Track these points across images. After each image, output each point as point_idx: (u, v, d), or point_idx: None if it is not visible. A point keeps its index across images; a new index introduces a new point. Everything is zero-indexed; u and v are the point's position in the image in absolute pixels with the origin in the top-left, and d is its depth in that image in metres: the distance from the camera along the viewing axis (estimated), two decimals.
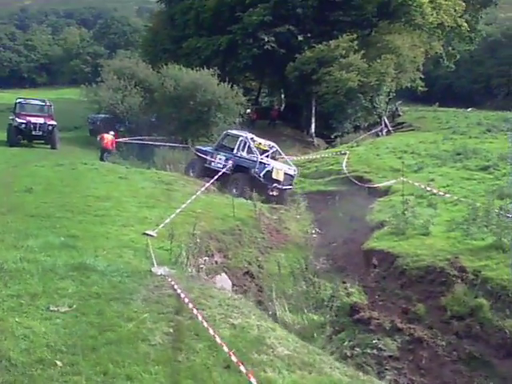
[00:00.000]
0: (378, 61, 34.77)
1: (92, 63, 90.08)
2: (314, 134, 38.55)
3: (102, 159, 22.26)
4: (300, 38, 36.58)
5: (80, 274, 6.81)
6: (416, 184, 13.96)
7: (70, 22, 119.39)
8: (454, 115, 43.47)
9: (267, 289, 9.65)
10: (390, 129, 39.70)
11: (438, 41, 42.87)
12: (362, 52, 34.52)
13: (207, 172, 19.18)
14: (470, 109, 51.90)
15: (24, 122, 24.76)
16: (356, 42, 34.80)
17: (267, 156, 19.29)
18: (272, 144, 20.35)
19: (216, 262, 9.89)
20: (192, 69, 29.53)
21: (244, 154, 18.90)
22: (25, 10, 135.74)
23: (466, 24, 43.51)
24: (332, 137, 39.19)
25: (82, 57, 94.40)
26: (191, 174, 19.81)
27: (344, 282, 8.78)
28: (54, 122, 25.49)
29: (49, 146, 25.42)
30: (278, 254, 11.38)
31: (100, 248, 8.06)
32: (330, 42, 34.84)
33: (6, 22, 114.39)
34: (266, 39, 36.06)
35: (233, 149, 19.32)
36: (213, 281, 8.87)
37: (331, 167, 21.49)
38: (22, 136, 25.13)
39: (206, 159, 19.87)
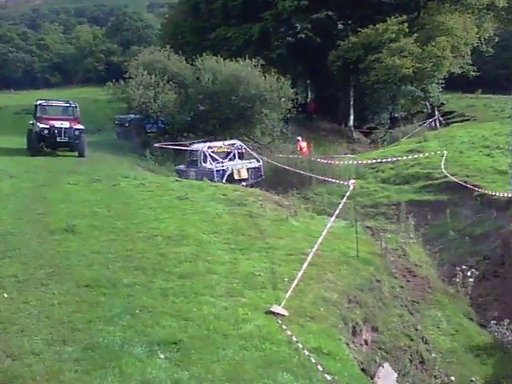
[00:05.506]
0: (433, 44, 31.05)
1: (106, 61, 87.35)
2: (352, 127, 36.10)
3: None
4: (340, 25, 32.97)
5: None
6: None
7: (81, 21, 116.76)
8: (504, 102, 39.83)
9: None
10: (441, 119, 36.15)
11: (488, 22, 38.89)
12: (415, 35, 30.85)
13: None
14: None
15: (47, 126, 21.15)
16: (406, 25, 31.17)
17: (231, 158, 19.83)
18: (233, 142, 20.90)
19: (366, 342, 6.42)
20: (231, 60, 26.17)
21: (207, 164, 19.20)
22: (36, 10, 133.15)
23: None
24: (365, 128, 36.10)
25: (96, 55, 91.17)
26: None
27: None
28: (81, 126, 21.84)
29: (76, 154, 21.66)
30: (434, 314, 7.89)
31: (241, 379, 4.48)
32: (377, 25, 31.25)
33: (18, 22, 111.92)
34: (299, 28, 32.56)
35: (197, 163, 19.63)
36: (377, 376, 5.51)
37: (416, 170, 17.89)
38: (44, 143, 21.47)
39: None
